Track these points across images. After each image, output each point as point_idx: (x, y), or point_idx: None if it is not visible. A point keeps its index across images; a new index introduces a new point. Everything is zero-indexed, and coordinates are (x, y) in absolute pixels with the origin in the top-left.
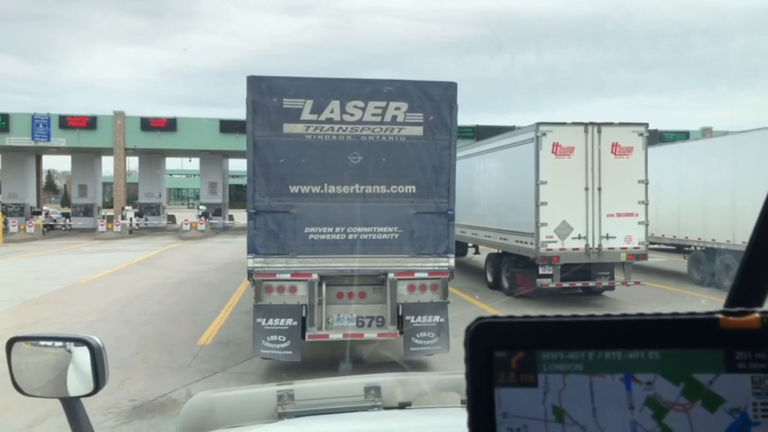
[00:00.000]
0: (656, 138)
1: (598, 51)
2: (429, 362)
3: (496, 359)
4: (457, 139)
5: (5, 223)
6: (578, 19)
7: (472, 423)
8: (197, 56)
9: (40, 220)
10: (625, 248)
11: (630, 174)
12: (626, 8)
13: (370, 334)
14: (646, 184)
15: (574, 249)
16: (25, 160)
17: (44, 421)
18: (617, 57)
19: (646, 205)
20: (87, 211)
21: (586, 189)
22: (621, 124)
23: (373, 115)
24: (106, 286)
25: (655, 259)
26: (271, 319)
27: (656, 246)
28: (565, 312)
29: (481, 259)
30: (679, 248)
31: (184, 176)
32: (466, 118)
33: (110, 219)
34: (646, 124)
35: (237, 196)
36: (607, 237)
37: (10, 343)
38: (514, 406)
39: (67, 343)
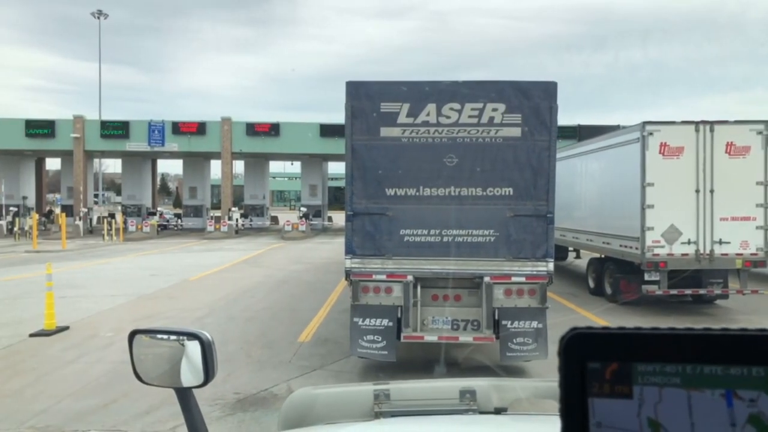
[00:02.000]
0: None
1: (709, 44)
2: (525, 368)
3: (590, 370)
4: (557, 139)
5: (125, 222)
6: (687, 11)
7: None
8: (299, 62)
9: (155, 220)
10: (741, 254)
11: (747, 175)
12: None
13: (465, 338)
14: (766, 185)
15: (683, 254)
16: (142, 164)
17: (159, 409)
18: (731, 50)
19: (766, 208)
20: (197, 211)
21: (697, 191)
22: (737, 122)
23: (470, 116)
24: (213, 284)
25: None
26: (367, 319)
27: None
28: (672, 321)
29: (582, 263)
30: None
31: (286, 179)
32: (567, 117)
33: (218, 219)
34: (766, 122)
35: (336, 198)
36: (720, 242)
37: (132, 336)
38: (609, 416)
39: (181, 337)
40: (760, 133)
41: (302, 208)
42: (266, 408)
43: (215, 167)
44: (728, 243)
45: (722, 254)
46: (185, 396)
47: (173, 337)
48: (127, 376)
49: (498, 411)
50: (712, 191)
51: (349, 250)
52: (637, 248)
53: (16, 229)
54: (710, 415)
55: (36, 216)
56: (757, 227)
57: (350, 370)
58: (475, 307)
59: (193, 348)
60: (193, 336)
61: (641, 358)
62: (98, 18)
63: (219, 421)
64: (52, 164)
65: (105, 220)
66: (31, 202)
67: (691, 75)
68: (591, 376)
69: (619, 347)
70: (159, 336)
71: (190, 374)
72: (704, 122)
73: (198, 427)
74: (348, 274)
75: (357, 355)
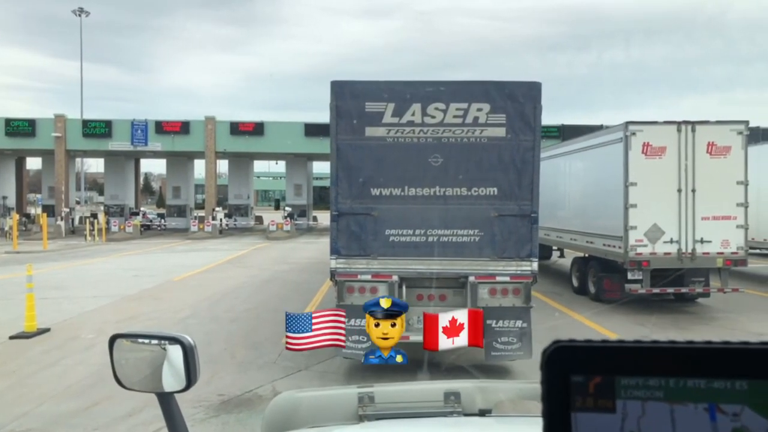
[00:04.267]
0: (758, 136)
1: (690, 45)
2: (510, 368)
3: (573, 383)
4: (541, 139)
5: (108, 223)
6: (669, 12)
7: None
8: (282, 61)
9: (138, 220)
10: (722, 253)
11: (727, 175)
12: None
13: None
14: (746, 185)
15: (665, 253)
16: (124, 164)
17: (142, 411)
18: (712, 51)
19: (746, 207)
20: (180, 211)
21: (679, 191)
22: (718, 122)
23: (455, 116)
24: (197, 284)
25: (756, 265)
26: (352, 320)
27: (757, 251)
28: (654, 319)
29: (566, 263)
30: None
31: (270, 178)
32: (550, 117)
33: (202, 219)
34: (746, 122)
35: (321, 197)
36: (702, 241)
37: (112, 340)
38: (592, 431)
39: (162, 341)
40: (740, 133)
41: (287, 208)
42: (251, 409)
43: (199, 167)
44: (709, 242)
45: (704, 253)
46: (167, 401)
47: (154, 341)
48: (110, 378)
49: (482, 413)
50: (693, 191)
51: (334, 251)
52: (620, 247)
53: None
54: (693, 429)
55: (16, 216)
56: (737, 226)
57: (335, 371)
58: (460, 306)
59: (175, 352)
60: (174, 340)
61: (625, 372)
62: (79, 16)
63: (203, 423)
64: (33, 164)
65: (87, 221)
66: (12, 202)
67: (673, 75)
68: (574, 389)
69: (602, 360)
70: (140, 340)
71: (171, 379)
72: (686, 122)
73: None
74: (333, 274)
75: (342, 355)
